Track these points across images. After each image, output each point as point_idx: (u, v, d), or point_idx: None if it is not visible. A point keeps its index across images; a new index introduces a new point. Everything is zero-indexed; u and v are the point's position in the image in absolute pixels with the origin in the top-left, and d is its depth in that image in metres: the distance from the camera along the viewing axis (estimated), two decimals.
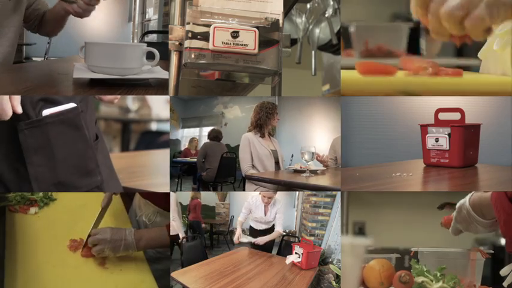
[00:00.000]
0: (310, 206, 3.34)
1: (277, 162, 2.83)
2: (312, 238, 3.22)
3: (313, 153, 2.42)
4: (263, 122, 2.86)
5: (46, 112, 1.25)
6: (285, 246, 2.83)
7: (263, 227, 2.90)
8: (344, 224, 2.74)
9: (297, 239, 3.08)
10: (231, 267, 2.10)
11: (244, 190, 2.83)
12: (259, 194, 2.78)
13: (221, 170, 3.71)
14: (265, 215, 2.83)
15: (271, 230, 2.94)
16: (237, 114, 5.03)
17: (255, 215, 2.83)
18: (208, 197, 4.64)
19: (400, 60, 1.46)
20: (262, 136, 2.85)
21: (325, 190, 2.26)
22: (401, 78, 1.34)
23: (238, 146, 2.85)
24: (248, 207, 2.90)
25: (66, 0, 1.90)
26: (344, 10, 1.88)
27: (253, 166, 2.76)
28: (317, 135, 4.41)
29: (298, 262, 2.19)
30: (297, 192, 3.68)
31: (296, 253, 2.21)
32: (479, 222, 1.35)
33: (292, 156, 3.59)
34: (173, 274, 1.92)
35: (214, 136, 4.08)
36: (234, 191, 3.93)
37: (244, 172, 2.71)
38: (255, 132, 2.86)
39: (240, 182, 3.18)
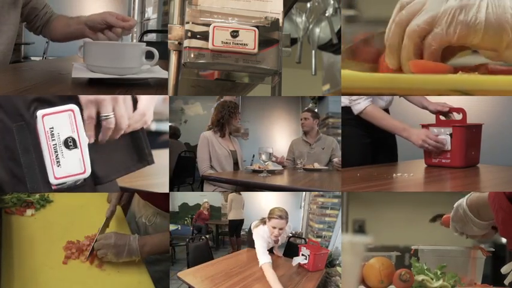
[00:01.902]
0: (317, 207, 3.33)
1: (236, 163, 2.80)
2: (319, 240, 3.20)
3: (270, 153, 2.46)
4: (225, 122, 2.82)
5: (40, 113, 1.23)
6: (291, 248, 2.81)
7: None
8: (344, 222, 2.73)
9: (303, 240, 3.06)
10: (237, 268, 2.09)
11: (202, 191, 2.79)
12: (266, 226, 2.21)
13: (178, 170, 3.49)
14: (275, 243, 2.33)
15: None
16: (198, 111, 4.84)
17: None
18: (214, 198, 4.63)
19: None
20: (223, 136, 2.81)
21: (284, 190, 2.27)
22: (455, 77, 1.33)
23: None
24: (266, 244, 2.13)
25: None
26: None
27: (212, 167, 2.71)
28: (278, 136, 4.42)
29: (305, 264, 2.14)
30: (304, 193, 3.67)
31: (303, 255, 2.16)
32: (475, 222, 1.35)
33: (254, 156, 3.56)
34: (179, 274, 1.93)
35: (172, 133, 3.95)
36: (193, 191, 3.84)
37: (202, 173, 2.66)
38: (214, 131, 2.81)
39: (199, 183, 3.02)
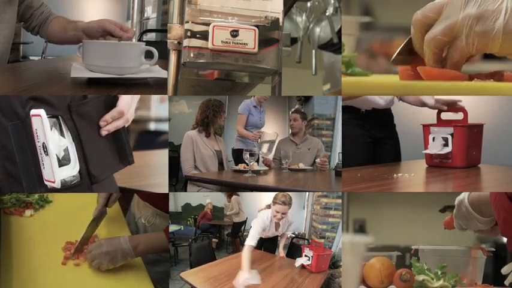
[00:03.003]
0: (321, 207, 3.32)
1: (221, 163, 2.76)
2: (322, 240, 3.20)
3: (255, 154, 2.47)
4: (210, 121, 2.77)
5: (31, 112, 1.23)
6: (294, 249, 2.80)
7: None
8: (344, 222, 2.73)
9: (306, 241, 3.05)
10: (239, 269, 2.08)
11: (186, 191, 2.74)
12: (270, 210, 2.36)
13: None
14: (276, 230, 2.45)
15: (274, 238, 2.86)
16: (183, 109, 4.67)
17: (265, 233, 2.44)
18: (217, 198, 4.62)
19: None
20: (208, 136, 2.76)
21: (268, 190, 2.30)
22: (470, 84, 1.33)
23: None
24: (263, 227, 2.32)
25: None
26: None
27: (196, 167, 2.66)
28: None
29: (308, 265, 2.14)
30: (307, 194, 3.66)
31: (306, 256, 2.16)
32: (478, 219, 1.35)
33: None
34: (182, 274, 1.94)
35: None
36: (175, 191, 3.78)
37: (185, 173, 2.61)
38: (199, 130, 2.76)
39: (183, 183, 2.91)
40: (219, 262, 2.32)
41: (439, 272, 1.42)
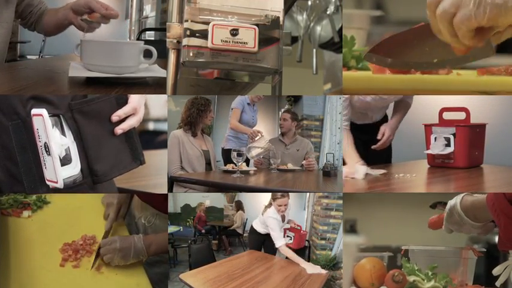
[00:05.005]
0: (322, 208, 3.33)
1: (208, 163, 2.70)
2: (323, 242, 3.21)
3: (243, 153, 2.47)
4: (194, 120, 2.69)
5: (32, 112, 1.21)
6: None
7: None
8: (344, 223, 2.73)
9: (307, 241, 3.05)
10: (239, 271, 2.09)
11: (171, 192, 2.69)
12: (272, 207, 2.55)
13: None
14: (283, 221, 2.62)
15: None
16: (170, 107, 4.71)
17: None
18: (217, 199, 4.61)
19: None
20: (194, 135, 2.69)
21: (256, 191, 2.39)
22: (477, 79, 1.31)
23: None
24: (279, 224, 2.55)
25: (86, 22, 1.83)
26: None
27: (182, 168, 2.60)
28: None
29: (291, 243, 2.53)
30: (308, 194, 3.65)
31: (288, 236, 2.55)
32: (473, 225, 1.32)
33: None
34: (181, 276, 1.93)
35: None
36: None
37: (171, 174, 2.53)
38: (185, 130, 2.69)
39: (168, 184, 2.93)
40: (218, 263, 2.32)
41: (430, 273, 1.41)
